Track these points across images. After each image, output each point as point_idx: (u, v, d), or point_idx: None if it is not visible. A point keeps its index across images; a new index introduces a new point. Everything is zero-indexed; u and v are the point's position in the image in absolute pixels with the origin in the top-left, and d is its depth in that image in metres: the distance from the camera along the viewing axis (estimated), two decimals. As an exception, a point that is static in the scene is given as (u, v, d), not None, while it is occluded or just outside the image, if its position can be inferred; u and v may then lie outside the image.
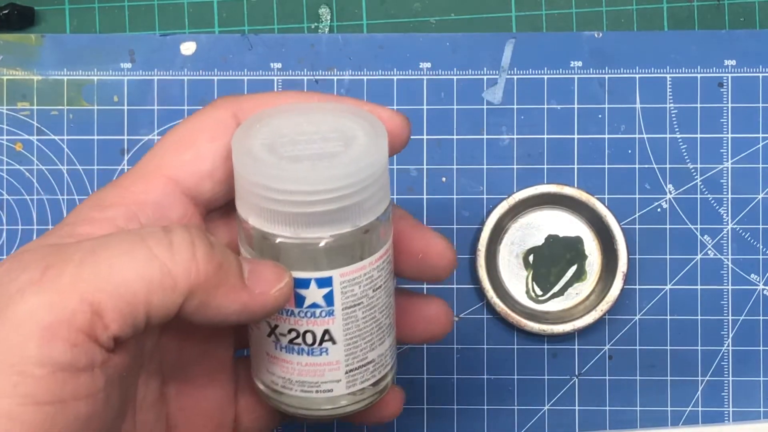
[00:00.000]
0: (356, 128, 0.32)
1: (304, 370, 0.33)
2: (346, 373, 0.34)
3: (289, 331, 0.33)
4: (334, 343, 0.33)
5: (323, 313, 0.32)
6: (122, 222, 0.32)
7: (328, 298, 0.32)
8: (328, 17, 0.51)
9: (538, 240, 0.50)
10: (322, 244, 0.31)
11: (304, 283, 0.32)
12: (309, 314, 0.32)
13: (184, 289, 0.29)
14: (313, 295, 0.32)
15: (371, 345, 0.34)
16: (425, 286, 0.50)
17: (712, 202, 0.50)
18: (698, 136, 0.50)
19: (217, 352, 0.36)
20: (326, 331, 0.33)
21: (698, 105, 0.50)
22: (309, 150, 0.31)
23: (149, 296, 0.29)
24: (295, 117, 0.33)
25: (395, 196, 0.50)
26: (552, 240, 0.50)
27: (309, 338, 0.33)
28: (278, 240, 0.31)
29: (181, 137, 0.33)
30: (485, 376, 0.50)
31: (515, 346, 0.50)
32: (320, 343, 0.33)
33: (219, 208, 0.35)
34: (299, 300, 0.32)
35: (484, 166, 0.50)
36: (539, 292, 0.50)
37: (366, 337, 0.33)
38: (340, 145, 0.31)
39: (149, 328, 0.30)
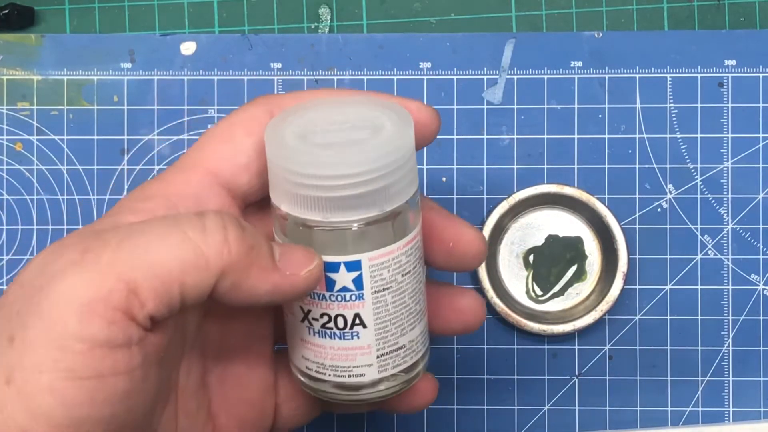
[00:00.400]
0: (384, 118, 0.33)
1: (336, 355, 0.34)
2: (378, 357, 0.34)
3: (321, 315, 0.34)
4: (364, 327, 0.34)
5: (353, 297, 0.33)
6: (162, 212, 0.33)
7: (358, 282, 0.33)
8: (328, 17, 0.51)
9: (538, 240, 0.50)
10: (351, 228, 0.32)
11: (334, 267, 0.33)
12: (340, 298, 0.33)
13: (216, 270, 0.30)
14: (343, 278, 0.33)
15: (402, 330, 0.34)
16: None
17: (713, 202, 0.50)
18: (698, 136, 0.50)
19: (256, 342, 0.37)
20: (357, 315, 0.34)
21: (698, 105, 0.50)
22: (338, 137, 0.32)
23: (183, 276, 0.30)
24: (326, 109, 0.34)
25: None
26: (552, 240, 0.50)
27: (340, 322, 0.34)
28: (308, 224, 0.32)
29: (220, 132, 0.35)
30: (485, 376, 0.50)
31: (515, 346, 0.50)
32: (351, 327, 0.34)
33: (256, 204, 0.36)
34: (330, 284, 0.33)
35: (484, 166, 0.50)
36: (539, 292, 0.50)
37: (396, 321, 0.34)
38: (368, 133, 0.32)
39: (184, 309, 0.31)
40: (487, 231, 0.49)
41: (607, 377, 0.50)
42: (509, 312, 0.49)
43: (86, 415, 0.29)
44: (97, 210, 0.50)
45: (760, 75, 0.50)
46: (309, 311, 0.34)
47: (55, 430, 0.28)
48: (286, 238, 0.33)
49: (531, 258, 0.50)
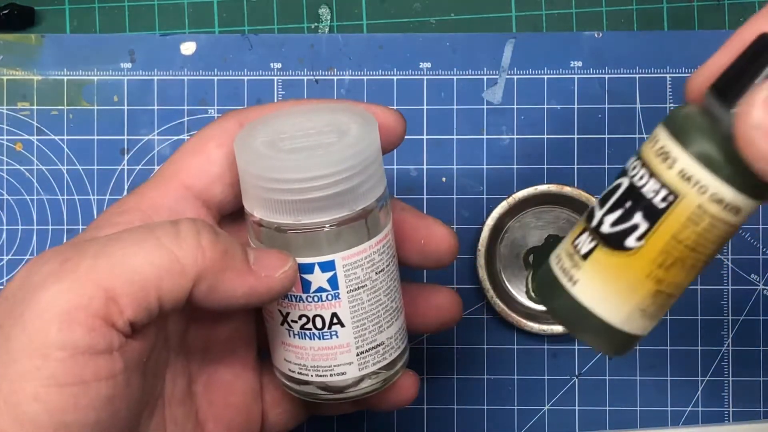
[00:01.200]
0: (350, 122, 0.34)
1: (317, 355, 0.35)
2: (357, 355, 0.35)
3: (300, 316, 0.34)
4: (342, 325, 0.34)
5: (329, 297, 0.34)
6: (138, 224, 0.34)
7: (333, 282, 0.34)
8: (328, 17, 0.51)
9: (538, 240, 0.50)
10: (323, 229, 0.33)
11: (309, 268, 0.34)
12: (316, 298, 0.34)
13: (192, 274, 0.31)
14: (318, 279, 0.34)
15: (379, 327, 0.35)
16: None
17: (712, 202, 0.50)
18: (698, 136, 0.50)
19: (241, 348, 0.38)
20: (334, 314, 0.34)
21: (698, 105, 0.50)
22: (306, 143, 0.33)
23: (160, 281, 0.30)
24: (292, 118, 0.35)
25: (395, 197, 0.50)
26: (552, 240, 0.50)
27: (318, 322, 0.34)
28: (281, 228, 0.33)
29: (192, 146, 0.36)
30: (485, 376, 0.50)
31: (515, 346, 0.50)
32: (329, 327, 0.34)
33: (230, 215, 0.37)
34: (306, 285, 0.34)
35: (484, 166, 0.50)
36: (539, 292, 0.50)
37: (373, 319, 0.35)
38: (335, 137, 0.33)
39: (163, 314, 0.31)
40: (487, 231, 0.49)
41: (607, 377, 0.50)
42: (509, 312, 0.49)
43: (71, 420, 0.29)
44: (97, 210, 0.50)
45: (760, 75, 0.50)
46: (287, 314, 0.35)
47: None
48: (261, 244, 0.34)
49: (531, 258, 0.50)
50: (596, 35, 0.51)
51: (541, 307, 0.50)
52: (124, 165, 0.51)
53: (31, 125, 0.51)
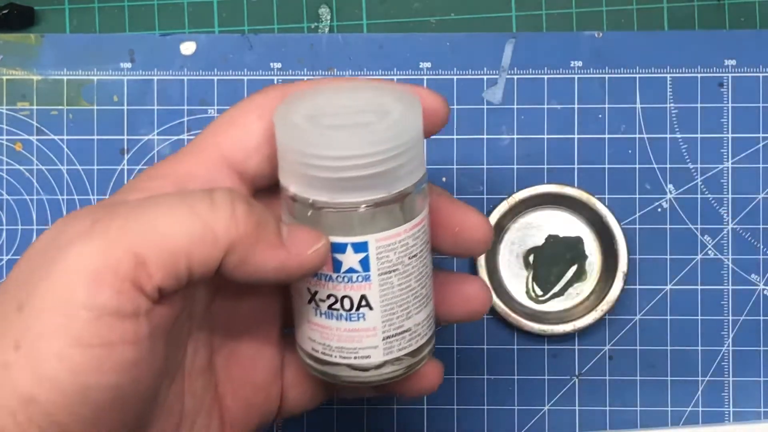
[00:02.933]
0: (393, 103, 0.33)
1: (343, 336, 0.34)
2: (383, 339, 0.35)
3: (328, 296, 0.34)
4: (370, 308, 0.34)
5: (360, 278, 0.33)
6: (171, 190, 0.33)
7: (364, 263, 0.33)
8: (328, 17, 0.51)
9: (538, 240, 0.50)
10: (359, 209, 0.32)
11: (341, 248, 0.33)
12: (346, 279, 0.33)
13: (224, 244, 0.31)
14: (350, 259, 0.33)
15: (407, 313, 0.35)
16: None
17: (713, 202, 0.50)
18: (698, 136, 0.50)
19: (264, 324, 0.38)
20: (363, 297, 0.34)
21: (698, 105, 0.50)
22: (347, 120, 0.33)
23: (191, 249, 0.30)
24: (334, 94, 0.34)
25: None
26: (552, 240, 0.50)
27: (347, 303, 0.34)
28: (316, 205, 0.32)
29: (231, 117, 0.35)
30: (485, 376, 0.50)
31: (515, 346, 0.50)
32: (357, 309, 0.34)
33: (265, 189, 0.36)
34: (337, 265, 0.33)
35: (484, 166, 0.50)
36: (539, 292, 0.50)
37: (402, 304, 0.34)
38: (376, 117, 0.33)
39: (192, 283, 0.31)
40: (487, 231, 0.49)
41: (607, 377, 0.50)
42: (509, 312, 0.49)
43: (93, 382, 0.29)
44: (97, 210, 0.50)
45: (760, 75, 0.50)
46: (316, 292, 0.34)
47: (61, 395, 0.29)
48: (294, 219, 0.33)
49: (531, 258, 0.50)
50: (596, 35, 0.51)
51: (541, 307, 0.50)
52: (123, 165, 0.51)
53: (31, 125, 0.51)
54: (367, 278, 0.33)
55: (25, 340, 0.29)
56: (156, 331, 0.31)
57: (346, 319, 0.34)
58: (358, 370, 0.35)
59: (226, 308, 0.36)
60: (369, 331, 0.34)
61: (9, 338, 0.29)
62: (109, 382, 0.29)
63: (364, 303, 0.34)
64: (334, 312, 0.34)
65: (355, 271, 0.33)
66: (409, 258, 0.34)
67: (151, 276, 0.30)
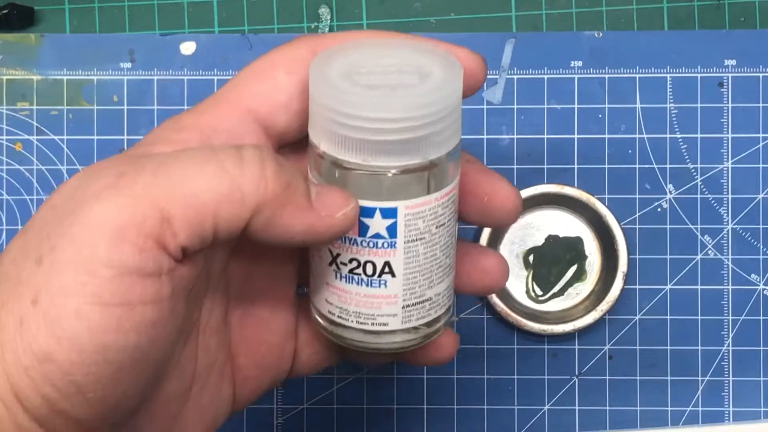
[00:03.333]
0: (432, 64, 0.32)
1: (361, 301, 0.34)
2: (403, 308, 0.34)
3: (351, 260, 0.33)
4: (393, 276, 0.33)
5: (385, 245, 0.32)
6: (196, 144, 0.32)
7: (392, 230, 0.32)
8: (328, 17, 0.51)
9: (538, 240, 0.50)
10: (390, 173, 0.31)
11: (369, 212, 0.32)
12: (371, 244, 0.32)
13: (252, 204, 0.30)
14: (377, 225, 0.32)
15: (430, 282, 0.34)
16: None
17: (713, 202, 0.50)
18: (698, 136, 0.50)
19: (280, 284, 0.37)
20: (386, 263, 0.33)
21: (698, 105, 0.50)
22: (385, 80, 0.31)
23: (218, 208, 0.29)
24: (372, 51, 0.33)
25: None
26: (552, 240, 0.50)
27: (369, 269, 0.33)
28: (345, 165, 0.31)
29: (260, 69, 0.33)
30: (485, 376, 0.50)
31: (515, 346, 0.50)
32: (380, 275, 0.33)
33: (290, 145, 0.35)
34: (363, 229, 0.32)
35: (484, 166, 0.50)
36: (539, 292, 0.50)
37: (425, 273, 0.34)
38: (415, 78, 0.32)
39: (216, 243, 0.30)
40: (487, 231, 0.49)
41: (607, 377, 0.50)
42: (509, 312, 0.49)
43: (111, 341, 0.28)
44: (97, 210, 0.50)
45: (760, 75, 0.50)
46: (338, 255, 0.33)
47: (78, 354, 0.28)
48: (321, 177, 0.32)
49: (531, 258, 0.50)
50: (596, 35, 0.51)
51: (541, 307, 0.50)
52: (123, 165, 0.51)
53: (31, 125, 0.51)
54: (392, 245, 0.32)
55: (43, 296, 0.28)
56: (177, 290, 0.30)
57: (367, 285, 0.33)
58: (373, 336, 0.34)
59: (242, 267, 0.35)
60: (389, 298, 0.33)
61: (26, 291, 0.28)
62: (128, 341, 0.28)
63: (387, 270, 0.33)
64: (355, 276, 0.33)
65: (382, 237, 0.32)
66: (437, 227, 0.33)
67: (175, 235, 0.29)
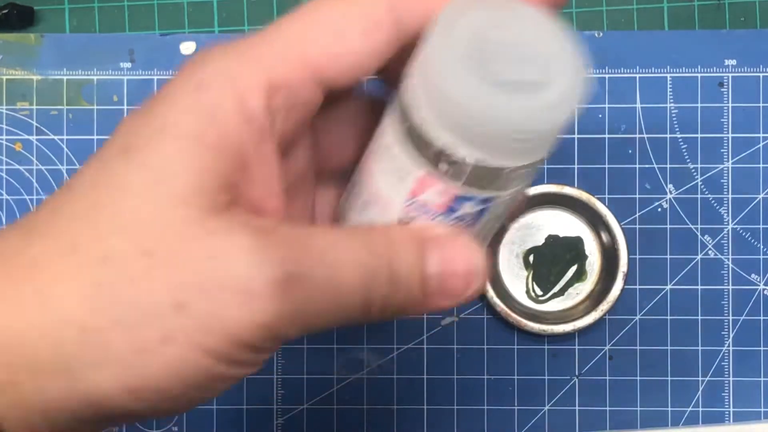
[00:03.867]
0: (555, 52, 0.31)
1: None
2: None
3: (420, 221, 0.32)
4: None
5: (465, 224, 0.32)
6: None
7: (479, 214, 0.32)
8: (328, 17, 0.51)
9: (538, 240, 0.50)
10: (503, 170, 0.30)
11: (467, 199, 0.31)
12: (454, 220, 0.32)
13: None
14: (467, 208, 0.31)
15: (485, 240, 0.34)
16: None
17: (713, 202, 0.50)
18: (698, 136, 0.50)
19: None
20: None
21: (698, 105, 0.50)
22: (513, 73, 0.30)
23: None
24: (497, 14, 0.31)
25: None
26: (552, 240, 0.50)
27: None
28: (460, 162, 0.30)
29: (326, 21, 0.29)
30: (485, 376, 0.50)
31: (515, 346, 0.50)
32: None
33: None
34: (450, 211, 0.31)
35: (484, 166, 0.50)
36: (539, 292, 0.50)
37: (485, 235, 0.33)
38: (541, 73, 0.30)
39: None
40: (487, 231, 0.49)
41: (607, 377, 0.50)
42: (509, 312, 0.49)
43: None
44: (96, 210, 0.50)
45: (760, 75, 0.50)
46: (412, 218, 0.32)
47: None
48: (414, 151, 0.30)
49: (531, 258, 0.50)
50: (596, 35, 0.51)
51: (541, 307, 0.50)
52: (123, 165, 0.51)
53: (31, 125, 0.51)
54: (471, 225, 0.32)
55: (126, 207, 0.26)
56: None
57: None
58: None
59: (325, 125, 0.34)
60: None
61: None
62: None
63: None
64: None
65: (466, 218, 0.32)
66: (505, 208, 0.33)
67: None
